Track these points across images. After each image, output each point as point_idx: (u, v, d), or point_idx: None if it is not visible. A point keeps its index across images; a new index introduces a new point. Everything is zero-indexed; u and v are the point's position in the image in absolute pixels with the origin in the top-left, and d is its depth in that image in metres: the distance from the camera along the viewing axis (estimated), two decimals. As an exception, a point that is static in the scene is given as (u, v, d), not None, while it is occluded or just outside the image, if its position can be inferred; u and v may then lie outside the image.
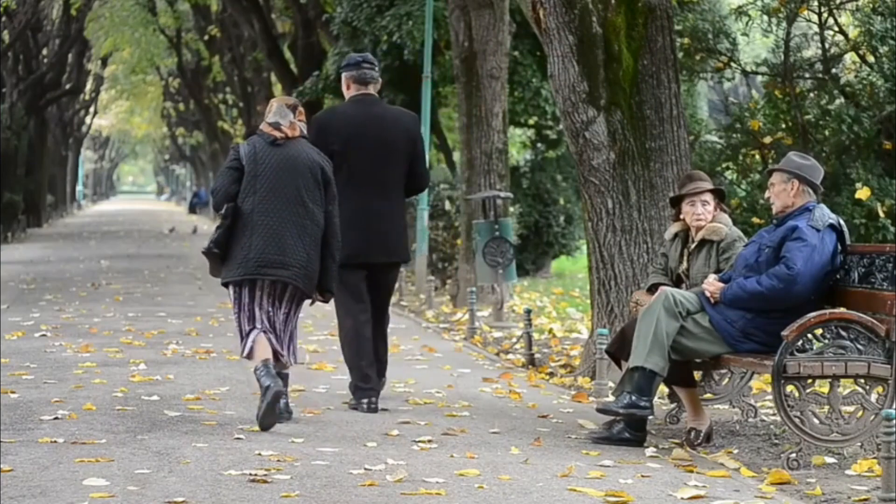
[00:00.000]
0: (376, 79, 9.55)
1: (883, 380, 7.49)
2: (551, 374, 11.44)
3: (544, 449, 7.80)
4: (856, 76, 13.14)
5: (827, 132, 12.64)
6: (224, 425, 8.35)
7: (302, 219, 8.54)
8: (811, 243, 7.82)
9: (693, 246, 8.68)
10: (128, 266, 26.67)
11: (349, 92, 9.57)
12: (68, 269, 25.29)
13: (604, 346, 9.51)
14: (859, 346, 7.51)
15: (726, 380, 9.09)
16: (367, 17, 23.57)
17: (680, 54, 12.55)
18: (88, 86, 61.08)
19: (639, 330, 8.02)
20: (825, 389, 7.53)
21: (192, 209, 68.31)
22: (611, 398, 8.77)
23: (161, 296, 19.24)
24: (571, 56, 10.35)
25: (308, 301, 8.80)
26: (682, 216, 8.75)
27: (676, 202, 8.83)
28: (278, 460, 7.22)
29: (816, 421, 7.48)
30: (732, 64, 13.58)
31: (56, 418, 8.45)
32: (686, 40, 13.36)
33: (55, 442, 7.63)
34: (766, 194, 8.25)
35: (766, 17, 12.93)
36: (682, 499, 6.52)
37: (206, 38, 44.86)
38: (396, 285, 18.67)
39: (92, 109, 69.65)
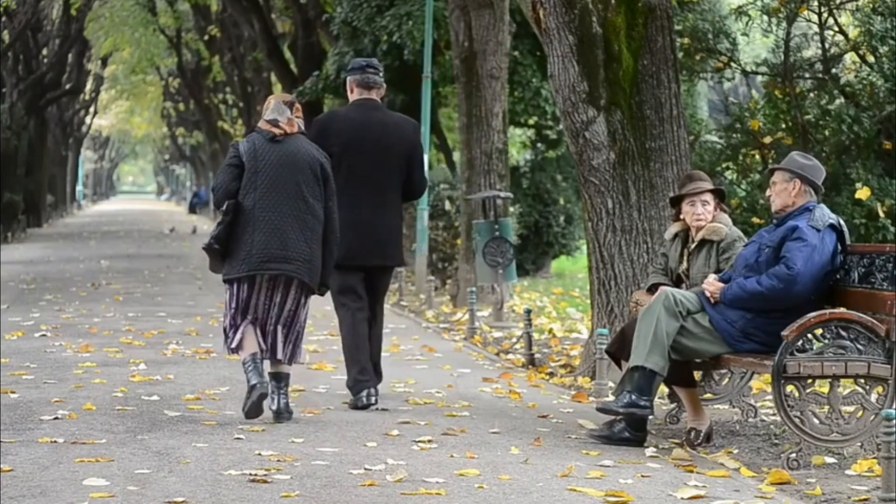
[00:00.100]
0: (380, 84, 9.62)
1: (883, 380, 7.49)
2: (551, 374, 11.44)
3: (544, 449, 7.79)
4: (856, 76, 13.14)
5: (827, 132, 12.64)
6: (224, 425, 8.35)
7: (303, 213, 8.60)
8: (811, 243, 7.82)
9: (693, 246, 8.68)
10: (128, 266, 26.68)
11: (352, 96, 9.66)
12: (68, 269, 25.29)
13: (604, 346, 9.51)
14: (859, 346, 7.50)
15: (726, 380, 9.09)
16: (367, 17, 23.58)
17: (680, 54, 12.54)
18: (88, 86, 61.08)
19: (639, 330, 8.02)
20: (825, 389, 7.53)
21: (192, 209, 68.31)
22: (611, 398, 8.78)
23: (161, 296, 19.24)
24: (571, 56, 10.35)
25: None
26: (682, 216, 8.75)
27: (676, 202, 8.84)
28: (278, 460, 7.22)
29: (816, 421, 7.48)
30: (732, 64, 13.58)
31: (56, 418, 8.45)
32: (686, 40, 13.36)
33: (55, 442, 7.63)
34: (767, 193, 8.25)
35: (766, 17, 12.93)
36: (682, 499, 6.52)
37: (206, 38, 44.86)
38: (396, 285, 18.90)
39: (92, 109, 69.66)
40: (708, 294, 8.10)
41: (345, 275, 9.35)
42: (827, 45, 13.09)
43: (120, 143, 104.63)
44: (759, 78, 14.03)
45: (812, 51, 13.41)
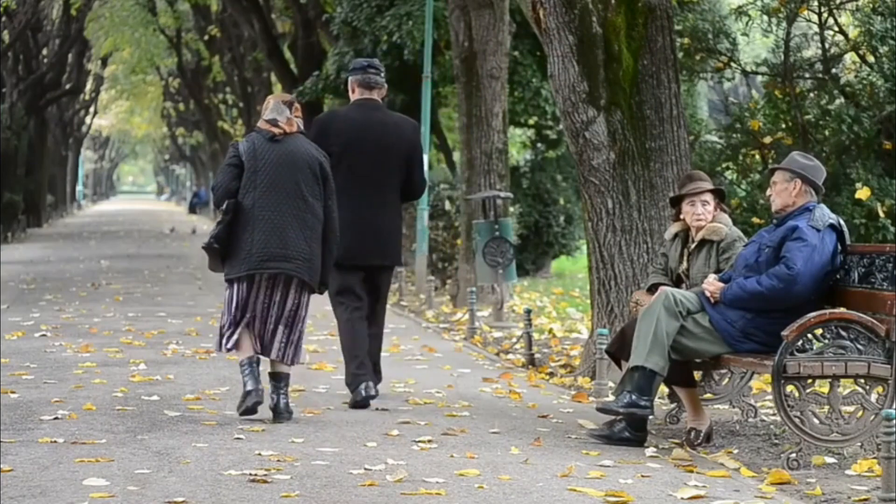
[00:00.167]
0: (381, 84, 9.68)
1: (883, 380, 7.49)
2: (551, 374, 11.44)
3: (544, 449, 7.79)
4: (856, 76, 13.13)
5: (827, 132, 12.64)
6: (224, 425, 8.35)
7: (302, 212, 8.63)
8: (811, 243, 7.82)
9: (693, 246, 8.68)
10: (128, 266, 26.68)
11: (354, 95, 9.75)
12: (68, 269, 25.29)
13: (604, 346, 9.51)
14: (859, 346, 7.50)
15: (726, 380, 9.08)
16: (367, 17, 23.58)
17: (680, 54, 12.54)
18: (88, 86, 61.08)
19: (639, 330, 8.02)
20: (825, 389, 7.53)
21: (192, 209, 68.34)
22: (611, 398, 8.78)
23: (161, 296, 19.24)
24: (571, 56, 10.35)
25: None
26: (682, 216, 8.75)
27: (676, 202, 8.84)
28: (278, 460, 7.22)
29: (816, 421, 7.48)
30: (732, 64, 13.58)
31: (56, 418, 8.45)
32: (686, 40, 13.36)
33: (55, 442, 7.63)
34: (768, 192, 8.25)
35: (766, 17, 12.93)
36: (682, 499, 6.52)
37: (206, 38, 44.86)
38: (397, 285, 18.91)
39: (92, 109, 69.67)
40: (708, 294, 8.09)
41: (344, 274, 9.40)
42: (827, 45, 13.09)
43: (120, 143, 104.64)
44: (759, 78, 14.03)
45: (812, 51, 13.41)
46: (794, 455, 7.43)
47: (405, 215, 19.35)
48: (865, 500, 6.65)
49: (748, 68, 13.90)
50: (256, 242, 8.56)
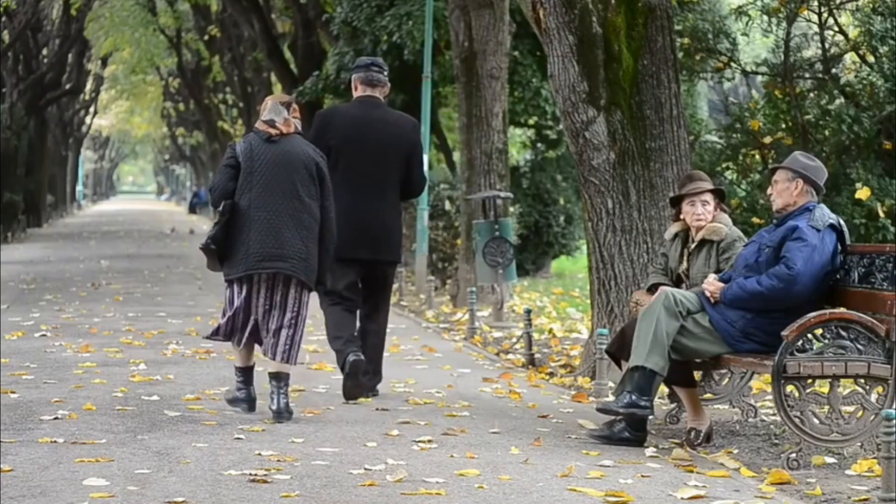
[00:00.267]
0: (383, 82, 9.78)
1: (883, 380, 7.49)
2: (551, 374, 11.44)
3: (544, 449, 7.79)
4: (856, 76, 13.13)
5: (827, 132, 12.64)
6: (224, 425, 8.35)
7: (298, 212, 8.68)
8: (811, 243, 7.82)
9: (693, 246, 8.68)
10: (128, 266, 26.68)
11: (356, 93, 9.90)
12: (68, 269, 25.29)
13: (604, 346, 9.51)
14: (859, 346, 7.50)
15: (726, 380, 9.08)
16: (367, 17, 23.58)
17: (680, 54, 12.54)
18: (88, 86, 61.09)
19: (639, 330, 8.02)
20: (825, 389, 7.53)
21: (192, 209, 68.35)
22: (611, 398, 8.78)
23: (161, 296, 19.24)
24: (571, 56, 10.35)
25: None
26: (682, 216, 8.75)
27: (676, 202, 8.84)
28: (278, 460, 7.23)
29: (816, 421, 7.48)
30: (732, 64, 13.57)
31: (56, 418, 8.45)
32: (686, 40, 13.36)
33: (55, 442, 7.63)
34: (769, 191, 8.25)
35: (766, 17, 12.93)
36: (682, 499, 6.52)
37: (206, 38, 44.87)
38: (397, 285, 18.90)
39: (92, 109, 69.68)
40: (708, 294, 8.09)
41: (340, 268, 9.45)
42: (827, 45, 13.09)
43: (120, 143, 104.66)
44: (759, 78, 14.03)
45: (812, 51, 13.41)
46: (794, 455, 7.43)
47: (405, 215, 19.36)
48: (865, 500, 6.65)
49: (748, 68, 13.90)
50: (253, 243, 8.62)
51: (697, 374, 8.62)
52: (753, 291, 7.86)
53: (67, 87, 50.01)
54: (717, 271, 8.39)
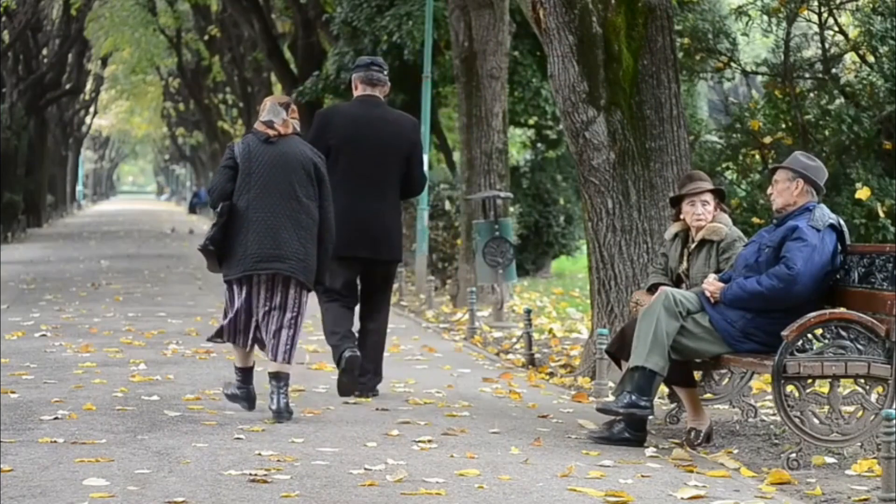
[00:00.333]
0: (383, 81, 9.82)
1: (883, 380, 7.49)
2: (551, 374, 11.44)
3: (544, 449, 7.79)
4: (856, 76, 13.13)
5: (827, 132, 12.64)
6: (224, 425, 8.35)
7: (296, 213, 8.70)
8: (811, 243, 7.82)
9: (693, 246, 8.68)
10: (128, 266, 26.68)
11: (357, 92, 9.96)
12: (68, 269, 25.29)
13: (604, 346, 9.51)
14: (859, 346, 7.50)
15: (726, 380, 9.08)
16: (367, 17, 23.58)
17: (680, 54, 12.54)
18: (88, 86, 61.09)
19: (639, 330, 8.02)
20: (825, 389, 7.53)
21: (192, 209, 68.35)
22: (611, 398, 8.78)
23: (161, 296, 19.24)
24: (571, 56, 10.35)
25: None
26: (682, 216, 8.75)
27: (676, 202, 8.84)
28: (278, 460, 7.23)
29: (816, 421, 7.47)
30: (732, 64, 13.57)
31: (56, 418, 8.45)
32: (686, 40, 13.36)
33: (55, 442, 7.63)
34: (769, 191, 8.25)
35: (766, 17, 12.93)
36: (682, 499, 6.52)
37: (206, 38, 44.86)
38: (397, 285, 18.91)
39: (92, 109, 69.68)
40: (708, 294, 8.09)
41: (339, 266, 9.48)
42: (827, 45, 13.09)
43: (120, 143, 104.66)
44: (759, 78, 14.03)
45: (812, 51, 13.41)
46: (794, 455, 7.43)
47: (405, 215, 19.36)
48: (865, 500, 6.65)
49: (748, 68, 13.90)
50: (251, 244, 8.66)
51: (697, 374, 8.62)
52: (753, 291, 7.86)
53: (67, 87, 50.01)
54: (717, 271, 8.39)
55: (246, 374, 8.98)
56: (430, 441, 7.89)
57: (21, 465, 6.94)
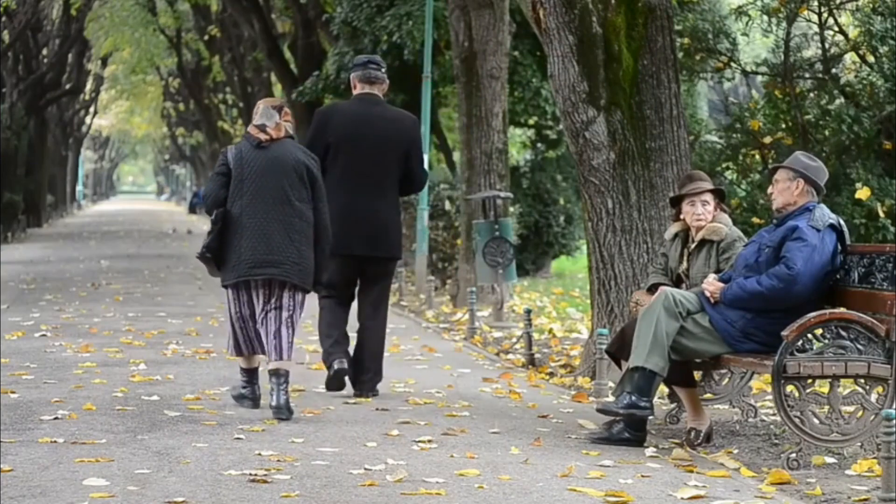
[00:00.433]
0: (381, 79, 9.85)
1: (883, 380, 7.49)
2: (551, 374, 11.44)
3: (544, 449, 7.79)
4: (856, 76, 13.13)
5: (827, 132, 12.63)
6: (224, 425, 8.35)
7: (289, 217, 8.77)
8: (811, 243, 7.82)
9: (693, 246, 8.68)
10: (128, 266, 26.67)
11: (355, 91, 9.99)
12: (68, 269, 25.29)
13: (604, 346, 9.51)
14: (859, 346, 7.50)
15: (726, 380, 9.08)
16: (367, 17, 23.58)
17: (680, 54, 12.54)
18: (88, 86, 61.09)
19: (639, 330, 8.02)
20: (825, 389, 7.53)
21: (192, 209, 68.36)
22: (611, 398, 8.78)
23: (161, 296, 19.24)
24: (571, 56, 10.35)
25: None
26: (682, 216, 8.75)
27: (676, 202, 8.84)
28: (278, 460, 7.23)
29: (816, 421, 7.47)
30: (732, 64, 13.57)
31: (56, 418, 8.45)
32: (686, 40, 13.36)
33: (55, 442, 7.63)
34: (769, 190, 8.25)
35: (766, 17, 12.92)
36: (682, 499, 6.52)
37: (206, 38, 44.86)
38: (397, 285, 18.91)
39: (92, 109, 69.68)
40: (708, 294, 8.09)
41: (337, 263, 9.52)
42: (827, 45, 13.09)
43: (120, 143, 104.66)
44: (759, 78, 14.03)
45: (812, 51, 13.41)
46: (794, 455, 7.43)
47: (405, 215, 19.36)
48: (865, 500, 6.65)
49: (748, 68, 13.90)
50: (245, 250, 8.75)
51: (697, 374, 8.62)
52: (753, 291, 7.86)
53: (67, 87, 50.01)
54: (717, 271, 8.39)
55: (251, 374, 9.10)
56: (430, 441, 7.89)
57: (21, 465, 6.94)
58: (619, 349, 8.37)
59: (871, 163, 12.43)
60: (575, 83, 10.36)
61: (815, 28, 13.13)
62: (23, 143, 42.49)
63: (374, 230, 9.66)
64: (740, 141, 13.14)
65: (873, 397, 7.53)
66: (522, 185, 24.37)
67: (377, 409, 9.14)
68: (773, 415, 8.85)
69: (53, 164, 60.36)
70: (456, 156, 26.79)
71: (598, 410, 8.26)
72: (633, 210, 10.40)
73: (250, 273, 8.72)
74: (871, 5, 12.81)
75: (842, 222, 8.01)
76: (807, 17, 13.12)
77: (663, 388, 8.83)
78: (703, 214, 8.62)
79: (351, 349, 9.83)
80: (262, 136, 8.85)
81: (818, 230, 7.86)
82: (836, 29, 13.17)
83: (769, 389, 8.59)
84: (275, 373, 8.71)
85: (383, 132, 9.70)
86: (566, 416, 9.07)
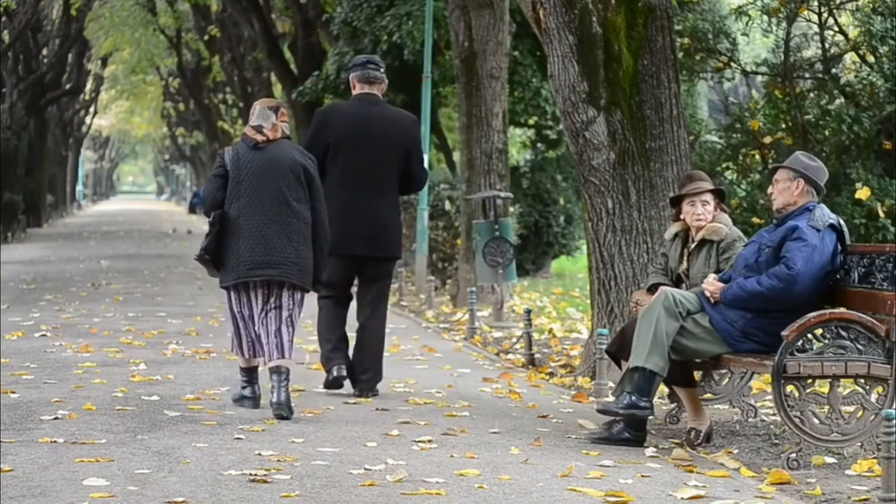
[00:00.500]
0: (380, 79, 9.87)
1: (883, 380, 7.49)
2: (551, 374, 11.44)
3: (544, 449, 7.79)
4: (856, 76, 13.13)
5: (827, 132, 12.63)
6: (224, 425, 8.35)
7: (287, 217, 8.80)
8: (811, 243, 7.82)
9: (693, 246, 8.68)
10: (128, 266, 26.67)
11: (355, 91, 10.01)
12: (68, 269, 25.29)
13: (604, 346, 9.51)
14: (859, 346, 7.50)
15: (726, 380, 9.08)
16: (367, 17, 23.58)
17: (680, 54, 12.54)
18: (88, 86, 61.08)
19: (639, 330, 8.02)
20: (825, 389, 7.53)
21: (192, 209, 68.35)
22: (611, 398, 8.78)
23: (161, 296, 19.24)
24: (571, 56, 10.35)
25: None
26: (682, 216, 8.75)
27: (676, 202, 8.84)
28: (278, 460, 7.23)
29: (816, 421, 7.47)
30: (732, 64, 13.57)
31: (56, 418, 8.45)
32: (686, 40, 13.36)
33: (55, 442, 7.63)
34: (769, 190, 8.25)
35: (766, 17, 12.93)
36: (682, 499, 6.52)
37: (206, 38, 44.86)
38: (397, 285, 18.91)
39: (92, 109, 69.67)
40: (708, 294, 8.09)
41: (336, 263, 9.53)
42: (827, 45, 13.09)
43: (120, 143, 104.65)
44: (759, 78, 14.03)
45: (812, 51, 13.41)
46: (794, 455, 7.43)
47: (405, 215, 19.36)
48: (865, 500, 6.65)
49: (748, 68, 13.90)
50: (242, 251, 8.79)
51: (697, 374, 8.62)
52: (753, 291, 7.86)
53: (67, 87, 50.00)
54: (717, 271, 8.39)
55: (251, 373, 9.11)
56: (430, 441, 7.89)
57: (21, 465, 6.94)
58: (619, 349, 8.37)
59: (871, 163, 12.43)
60: (575, 83, 10.36)
61: (815, 28, 13.13)
62: (23, 143, 42.49)
63: (373, 230, 9.67)
64: (740, 141, 13.14)
65: (873, 397, 7.53)
66: (522, 185, 24.37)
67: (377, 409, 9.14)
68: (773, 415, 8.85)
69: (53, 164, 60.36)
70: (456, 156, 26.79)
71: (599, 410, 8.26)
72: (633, 210, 10.40)
73: (249, 274, 8.75)
74: (871, 5, 12.81)
75: (842, 222, 8.01)
76: (807, 17, 13.12)
77: (663, 388, 8.83)
78: (703, 214, 8.62)
79: (351, 350, 9.83)
80: (259, 138, 8.87)
81: (818, 230, 7.86)
82: (836, 29, 13.17)
83: (769, 389, 8.59)
84: (276, 370, 8.73)
85: (383, 132, 9.71)
86: (566, 416, 9.07)
